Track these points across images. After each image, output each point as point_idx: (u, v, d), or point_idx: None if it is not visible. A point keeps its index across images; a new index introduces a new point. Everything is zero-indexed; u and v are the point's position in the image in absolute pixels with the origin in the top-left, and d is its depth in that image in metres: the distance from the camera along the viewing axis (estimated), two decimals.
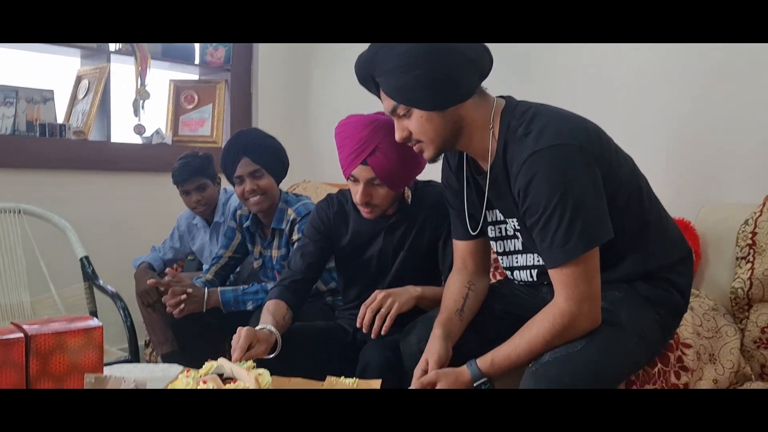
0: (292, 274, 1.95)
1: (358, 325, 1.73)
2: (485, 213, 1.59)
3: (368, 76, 1.51)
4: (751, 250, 1.86)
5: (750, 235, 1.87)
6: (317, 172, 3.50)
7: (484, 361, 1.44)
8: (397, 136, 1.52)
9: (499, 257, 1.65)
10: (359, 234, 1.95)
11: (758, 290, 1.83)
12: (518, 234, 1.54)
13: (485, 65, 1.47)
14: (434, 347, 1.54)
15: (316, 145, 3.70)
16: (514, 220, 1.52)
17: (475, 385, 1.44)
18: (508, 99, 1.52)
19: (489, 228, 1.61)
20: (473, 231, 1.62)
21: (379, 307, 1.71)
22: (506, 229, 1.58)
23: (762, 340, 1.82)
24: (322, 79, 3.70)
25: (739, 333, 1.84)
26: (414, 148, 1.54)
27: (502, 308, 1.66)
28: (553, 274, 1.39)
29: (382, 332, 1.69)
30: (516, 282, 1.66)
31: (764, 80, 2.12)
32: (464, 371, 1.46)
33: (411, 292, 1.77)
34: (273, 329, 1.77)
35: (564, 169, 1.34)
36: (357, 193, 1.79)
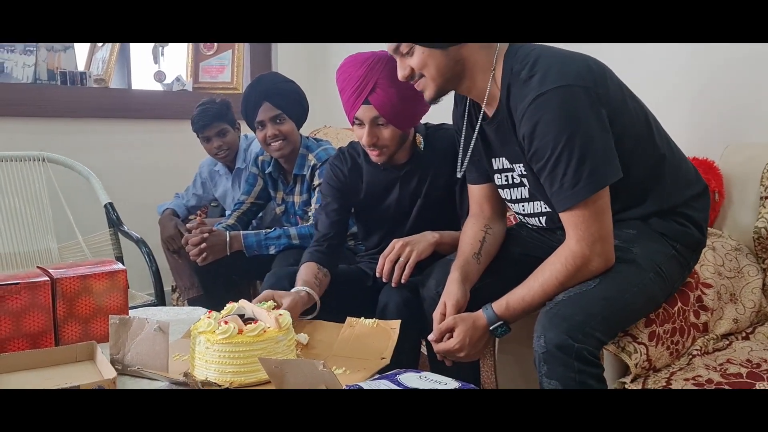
0: (321, 235, 1.95)
1: (377, 274, 1.75)
2: (491, 160, 1.58)
3: None
4: None
5: None
6: (338, 117, 3.46)
7: (499, 305, 1.45)
8: (400, 75, 1.51)
9: (509, 204, 1.64)
10: (374, 185, 1.95)
11: None
12: (525, 181, 1.53)
13: None
14: (452, 290, 1.55)
15: (336, 90, 3.66)
16: (521, 165, 1.50)
17: (491, 328, 1.46)
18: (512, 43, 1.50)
19: (495, 176, 1.60)
20: (483, 176, 1.61)
21: (398, 257, 1.72)
22: (512, 177, 1.56)
23: None
24: None
25: (761, 273, 1.82)
26: (416, 86, 1.52)
27: (519, 251, 1.66)
28: (563, 216, 1.38)
29: (402, 281, 1.71)
30: (529, 227, 1.65)
31: None
32: (480, 316, 1.47)
33: (428, 238, 1.77)
34: (307, 289, 1.77)
35: (569, 111, 1.32)
36: (363, 136, 1.77)
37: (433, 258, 1.77)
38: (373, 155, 1.82)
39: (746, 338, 1.69)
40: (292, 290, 1.76)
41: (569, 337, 1.29)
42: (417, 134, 1.89)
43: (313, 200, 2.32)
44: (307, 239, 2.25)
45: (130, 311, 1.68)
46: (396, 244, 1.74)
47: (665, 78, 2.33)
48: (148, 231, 2.69)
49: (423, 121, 1.91)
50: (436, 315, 1.55)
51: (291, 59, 3.65)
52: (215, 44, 3.59)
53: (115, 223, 2.63)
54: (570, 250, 1.36)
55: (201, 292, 2.62)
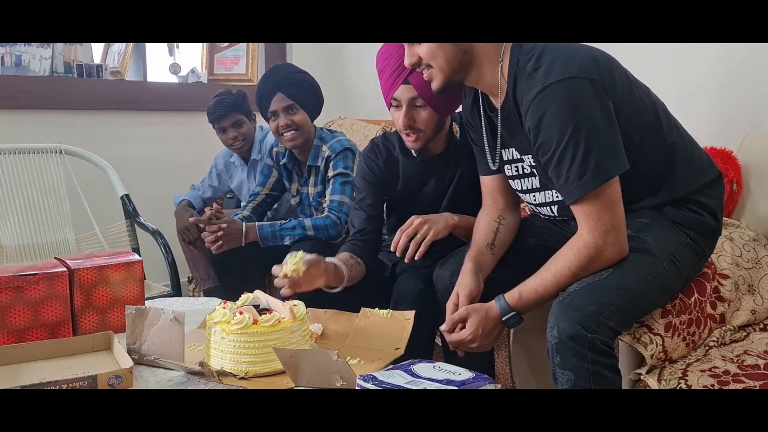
0: (357, 230, 1.93)
1: (392, 248, 1.73)
2: (501, 151, 1.58)
3: None
4: None
5: None
6: (352, 108, 3.48)
7: (512, 296, 1.45)
8: (407, 62, 1.51)
9: (520, 195, 1.63)
10: (411, 178, 1.92)
11: None
12: (535, 171, 1.52)
13: None
14: (465, 281, 1.55)
15: (351, 81, 3.67)
16: (530, 156, 1.50)
17: (504, 319, 1.46)
18: None
19: (506, 167, 1.60)
20: (494, 166, 1.61)
21: (415, 233, 1.71)
22: (523, 167, 1.55)
23: None
24: None
25: None
26: (424, 75, 1.52)
27: (534, 242, 1.66)
28: (574, 208, 1.38)
29: (416, 257, 1.69)
30: (542, 217, 1.65)
31: None
32: (493, 306, 1.47)
33: (447, 219, 1.76)
34: (336, 261, 1.78)
35: (574, 103, 1.32)
36: (399, 118, 1.75)
37: (448, 242, 1.76)
38: (410, 141, 1.79)
39: (764, 329, 1.67)
40: (330, 261, 1.76)
41: (582, 327, 1.28)
42: (453, 123, 1.87)
43: (328, 191, 2.32)
44: (322, 230, 2.25)
45: (146, 302, 1.69)
46: (414, 220, 1.73)
47: (685, 69, 2.31)
48: (164, 222, 2.71)
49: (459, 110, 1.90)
50: (449, 305, 1.55)
51: (306, 50, 3.65)
52: None
53: (131, 214, 2.65)
54: (583, 241, 1.36)
55: (217, 283, 2.63)
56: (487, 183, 1.69)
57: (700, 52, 2.28)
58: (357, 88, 3.61)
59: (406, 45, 1.51)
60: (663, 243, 1.41)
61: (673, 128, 1.50)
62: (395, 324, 1.63)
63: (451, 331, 1.51)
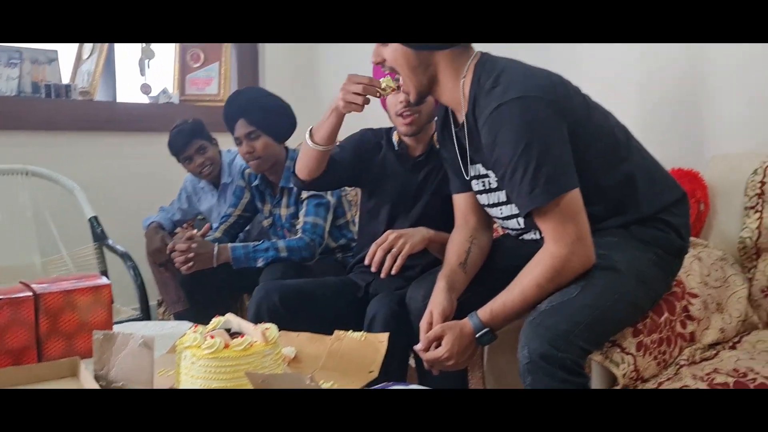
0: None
1: (367, 262, 1.73)
2: (468, 167, 1.60)
3: None
4: (760, 200, 1.84)
5: (759, 185, 1.85)
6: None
7: (484, 312, 1.46)
8: (373, 59, 1.55)
9: (487, 210, 1.65)
10: (387, 170, 2.00)
11: (766, 240, 1.82)
12: (501, 185, 1.54)
13: None
14: (438, 299, 1.56)
15: (324, 102, 3.67)
16: (492, 172, 1.53)
17: (477, 336, 1.46)
18: (484, 54, 1.52)
19: (473, 182, 1.62)
20: (466, 177, 1.63)
21: (391, 247, 1.72)
22: (489, 183, 1.58)
23: None
24: None
25: (747, 282, 1.83)
26: (402, 88, 1.56)
27: (506, 261, 1.66)
28: (538, 222, 1.40)
29: (393, 272, 1.69)
30: (513, 234, 1.66)
31: None
32: (467, 323, 1.47)
33: (423, 233, 1.77)
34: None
35: (527, 120, 1.35)
36: (399, 101, 1.82)
37: (422, 258, 1.78)
38: (405, 122, 1.85)
39: (733, 348, 1.69)
40: None
41: (552, 346, 1.29)
42: (435, 133, 1.91)
43: (301, 213, 2.31)
44: (295, 252, 2.24)
45: (114, 326, 1.66)
46: (390, 234, 1.74)
47: (651, 91, 2.35)
48: (133, 245, 2.67)
49: None
50: (423, 324, 1.55)
51: (278, 71, 3.65)
52: (202, 56, 3.58)
53: (99, 237, 2.61)
54: (548, 252, 1.38)
55: (187, 305, 2.60)
56: (459, 202, 1.71)
57: (665, 73, 2.33)
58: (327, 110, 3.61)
59: (377, 45, 1.54)
60: (631, 261, 1.43)
61: (633, 150, 1.53)
62: (369, 346, 1.62)
63: (427, 349, 1.51)
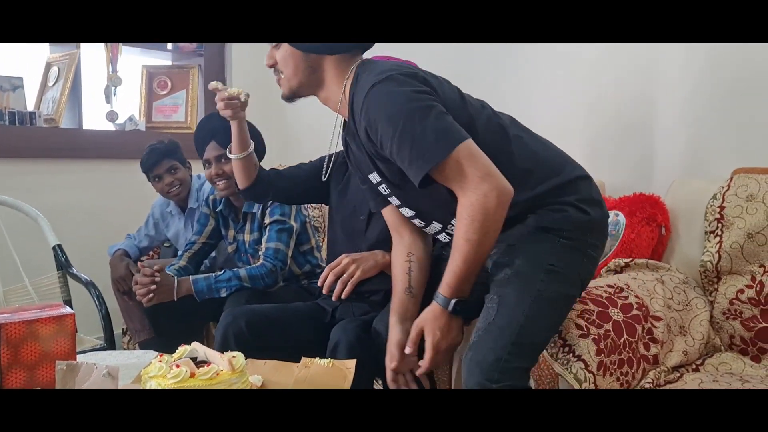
0: (276, 170, 2.04)
1: (319, 283, 1.75)
2: (368, 178, 1.60)
3: None
4: (719, 224, 1.89)
5: (718, 210, 1.90)
6: (293, 155, 3.47)
7: (443, 288, 1.44)
8: (266, 62, 1.59)
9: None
10: (349, 185, 2.01)
11: (726, 263, 1.86)
12: (384, 188, 1.56)
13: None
14: (393, 336, 1.57)
15: (291, 129, 3.68)
16: (374, 174, 1.54)
17: (450, 309, 1.44)
18: (366, 58, 1.56)
19: (380, 188, 1.61)
20: (363, 185, 1.65)
21: (342, 272, 1.72)
22: (383, 189, 1.58)
23: (731, 312, 1.84)
24: None
25: (708, 305, 1.87)
26: (276, 80, 1.60)
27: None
28: (443, 183, 1.38)
29: (342, 296, 1.71)
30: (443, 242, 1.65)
31: (731, 61, 2.14)
32: (435, 305, 1.46)
33: (377, 258, 1.79)
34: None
35: (396, 94, 1.38)
36: None
37: (385, 282, 1.78)
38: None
39: (696, 370, 1.72)
40: None
41: (488, 380, 1.30)
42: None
43: (264, 238, 2.30)
44: (257, 280, 2.23)
45: (78, 356, 1.63)
46: (343, 259, 1.75)
47: (612, 116, 2.40)
48: (98, 273, 2.63)
49: None
50: (388, 362, 1.56)
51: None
52: (169, 83, 3.58)
53: (63, 265, 2.57)
54: (462, 206, 1.36)
55: (153, 334, 2.56)
56: (387, 216, 1.70)
57: (626, 100, 2.38)
58: (296, 134, 3.62)
59: (270, 48, 1.58)
60: (534, 257, 1.42)
61: (514, 137, 1.51)
62: (336, 373, 1.61)
63: (416, 354, 1.51)
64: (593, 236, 1.50)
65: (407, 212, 1.58)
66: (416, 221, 1.60)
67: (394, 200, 1.58)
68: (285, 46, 1.53)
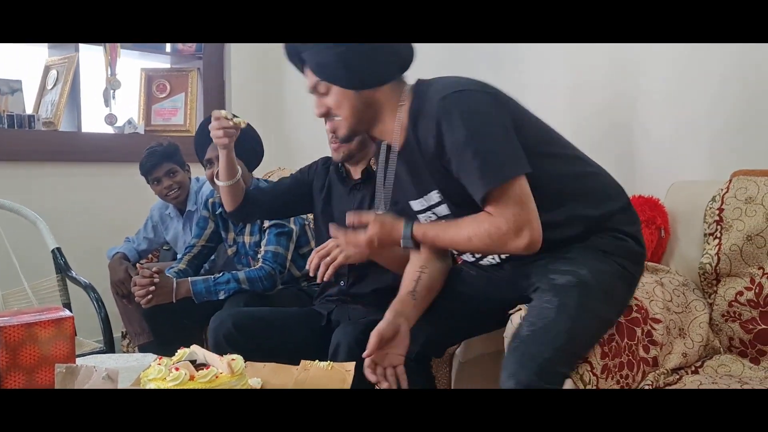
0: (258, 187, 2.07)
1: (306, 266, 1.76)
2: (410, 204, 1.63)
3: (295, 52, 1.58)
4: (718, 227, 1.89)
5: (717, 212, 1.90)
6: (292, 158, 3.48)
7: (418, 229, 1.53)
8: (317, 113, 1.59)
9: None
10: (331, 191, 2.06)
11: (725, 265, 1.86)
12: (444, 208, 1.57)
13: (406, 57, 1.55)
14: (379, 325, 1.58)
15: (290, 132, 3.69)
16: (435, 192, 1.55)
17: (402, 239, 1.55)
18: (419, 79, 1.57)
19: (421, 217, 1.64)
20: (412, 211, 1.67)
21: (328, 254, 1.73)
22: (436, 212, 1.60)
23: (730, 314, 1.84)
24: None
25: (707, 307, 1.87)
26: (328, 126, 1.61)
27: (466, 291, 1.70)
28: (490, 205, 1.42)
29: (325, 279, 1.72)
30: (470, 260, 1.68)
31: (728, 59, 2.14)
32: (399, 225, 1.55)
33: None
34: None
35: (472, 109, 1.41)
36: (327, 128, 1.82)
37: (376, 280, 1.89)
38: (333, 147, 1.95)
39: (695, 372, 1.72)
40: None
41: (540, 378, 1.31)
42: (373, 158, 1.97)
43: (263, 242, 2.31)
44: (256, 282, 2.23)
45: (77, 359, 1.63)
46: (330, 242, 1.75)
47: (611, 118, 2.40)
48: (97, 276, 2.63)
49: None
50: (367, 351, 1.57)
51: (244, 101, 3.66)
52: (168, 87, 3.58)
53: (62, 268, 2.56)
54: (493, 221, 1.41)
55: (152, 337, 2.56)
56: None
57: (624, 102, 2.39)
58: (296, 138, 3.63)
59: (316, 96, 1.58)
60: (597, 275, 1.45)
61: (578, 158, 1.58)
62: (336, 376, 1.61)
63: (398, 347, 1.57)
64: (640, 269, 1.59)
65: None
66: None
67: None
68: (335, 90, 1.53)
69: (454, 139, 1.40)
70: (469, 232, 1.44)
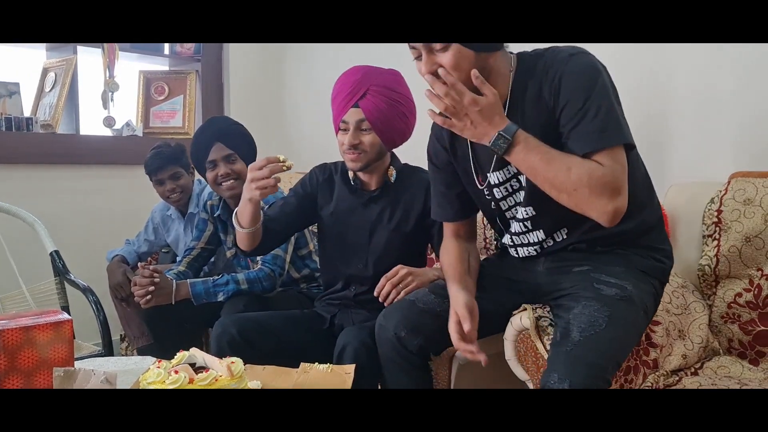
0: (266, 216, 1.99)
1: (375, 294, 1.78)
2: (487, 176, 1.59)
3: None
4: (717, 228, 1.89)
5: (716, 213, 1.90)
6: (292, 161, 3.48)
7: (522, 132, 1.41)
8: (426, 69, 1.45)
9: (497, 216, 1.65)
10: (341, 203, 2.01)
11: (724, 267, 1.86)
12: (522, 180, 1.55)
13: None
14: (460, 299, 1.55)
15: (289, 134, 3.69)
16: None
17: (502, 130, 1.41)
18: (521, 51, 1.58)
19: (495, 190, 1.60)
20: (461, 212, 1.71)
21: (400, 282, 1.77)
22: (511, 185, 1.58)
23: (729, 315, 1.85)
24: (295, 66, 3.68)
25: (707, 309, 1.87)
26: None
27: (503, 275, 1.71)
28: (596, 157, 1.39)
29: (395, 302, 1.74)
30: (510, 244, 1.67)
31: (726, 60, 2.15)
32: (504, 116, 1.43)
33: (430, 276, 1.82)
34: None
35: (599, 69, 1.44)
36: (345, 139, 1.86)
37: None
38: (351, 157, 1.88)
39: (695, 373, 1.72)
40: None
41: (593, 383, 1.31)
42: (391, 167, 1.97)
43: None
44: (255, 284, 2.22)
45: (75, 363, 1.62)
46: (401, 270, 1.78)
47: None
48: (96, 279, 2.63)
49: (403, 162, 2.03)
50: (452, 325, 1.52)
51: (243, 104, 3.66)
52: (166, 89, 3.58)
53: (61, 271, 2.56)
54: (601, 171, 1.36)
55: (151, 340, 2.55)
56: (450, 225, 1.76)
57: (626, 102, 2.38)
58: (296, 140, 3.63)
59: (425, 53, 1.45)
60: (640, 293, 1.48)
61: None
62: (335, 378, 1.61)
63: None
64: (664, 286, 1.61)
65: (526, 212, 1.57)
66: (519, 225, 1.60)
67: (520, 194, 1.57)
68: (455, 48, 1.42)
69: (578, 91, 1.41)
70: (571, 162, 1.38)
